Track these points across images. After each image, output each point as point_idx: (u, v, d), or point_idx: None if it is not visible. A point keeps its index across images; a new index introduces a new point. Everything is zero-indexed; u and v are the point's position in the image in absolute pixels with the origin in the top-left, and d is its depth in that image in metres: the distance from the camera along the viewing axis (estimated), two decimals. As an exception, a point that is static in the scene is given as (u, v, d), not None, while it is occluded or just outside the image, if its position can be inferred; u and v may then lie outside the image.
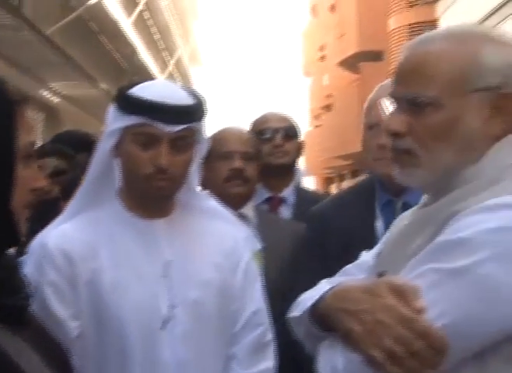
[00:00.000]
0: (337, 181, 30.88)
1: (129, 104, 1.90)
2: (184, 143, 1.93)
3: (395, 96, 1.47)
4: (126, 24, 16.07)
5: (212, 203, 2.18)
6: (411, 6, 18.68)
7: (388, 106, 1.52)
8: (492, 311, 1.26)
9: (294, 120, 3.32)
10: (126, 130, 1.90)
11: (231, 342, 2.08)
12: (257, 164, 2.81)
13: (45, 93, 13.40)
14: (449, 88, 1.41)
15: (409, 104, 1.44)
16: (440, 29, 1.54)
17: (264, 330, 2.05)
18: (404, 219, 1.62)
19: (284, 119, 3.23)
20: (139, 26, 18.17)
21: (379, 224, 2.39)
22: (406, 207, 2.19)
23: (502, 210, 1.29)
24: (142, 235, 2.00)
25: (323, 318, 1.38)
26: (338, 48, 24.80)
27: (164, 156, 1.88)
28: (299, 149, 3.28)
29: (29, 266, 1.90)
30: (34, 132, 1.40)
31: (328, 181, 32.25)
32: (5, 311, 1.30)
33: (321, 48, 30.87)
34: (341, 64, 24.22)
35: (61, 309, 1.91)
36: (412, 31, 17.70)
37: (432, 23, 15.57)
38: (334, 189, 25.81)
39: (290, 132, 3.21)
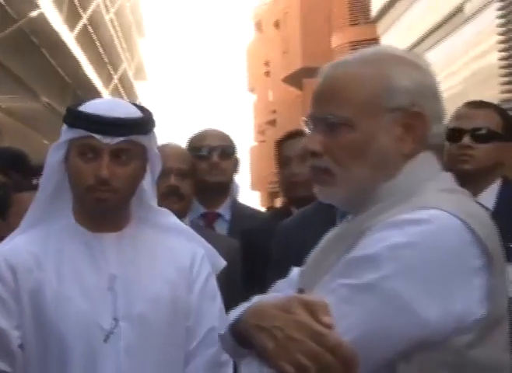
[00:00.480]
0: (281, 196, 30.96)
1: (73, 118, 1.95)
2: (127, 156, 1.94)
3: (312, 117, 1.50)
4: (69, 38, 15.97)
5: (172, 220, 2.17)
6: (352, 25, 18.98)
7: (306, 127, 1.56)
8: (398, 323, 1.28)
9: (231, 138, 3.31)
10: (71, 144, 1.94)
11: (186, 360, 2.06)
12: (193, 180, 2.82)
13: (-17, 106, 13.22)
14: (362, 109, 1.44)
15: (325, 125, 1.46)
16: (354, 52, 1.57)
17: (219, 349, 1.98)
18: (329, 235, 1.64)
19: (222, 137, 3.27)
20: (83, 40, 18.05)
21: None
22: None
23: (408, 226, 1.32)
24: (90, 248, 1.99)
25: (243, 334, 1.38)
26: (283, 64, 24.99)
27: (104, 167, 1.89)
28: (235, 167, 3.29)
29: None
30: None
31: (273, 196, 32.28)
32: None
33: (266, 64, 31.03)
34: (285, 79, 24.38)
35: (3, 320, 1.91)
36: (354, 49, 17.82)
37: (372, 41, 15.80)
38: (278, 204, 25.94)
39: (227, 151, 3.22)
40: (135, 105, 2.06)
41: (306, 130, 1.56)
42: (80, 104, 2.02)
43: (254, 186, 30.77)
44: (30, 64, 13.62)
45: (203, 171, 3.07)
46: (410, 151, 1.46)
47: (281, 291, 1.58)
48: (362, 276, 1.31)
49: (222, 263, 2.21)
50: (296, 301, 1.30)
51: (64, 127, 1.98)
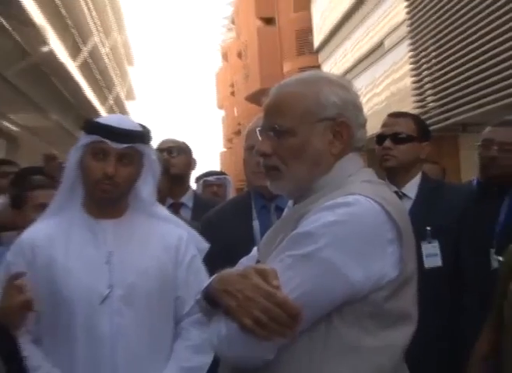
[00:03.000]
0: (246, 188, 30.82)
1: (91, 127, 1.97)
2: (129, 159, 1.95)
3: (263, 126, 1.49)
4: (72, 67, 15.69)
5: (162, 210, 2.15)
6: (299, 55, 19.01)
7: (259, 134, 1.53)
8: (331, 285, 1.29)
9: (183, 142, 3.36)
10: (87, 147, 1.95)
11: (178, 321, 2.02)
12: (166, 177, 2.74)
13: (6, 124, 13.04)
14: (299, 119, 1.43)
15: (273, 132, 1.46)
16: (293, 77, 1.54)
17: None
18: (280, 218, 1.61)
19: (173, 141, 3.30)
20: (83, 69, 17.74)
21: (256, 225, 2.35)
22: (278, 209, 2.24)
23: (337, 209, 1.32)
24: (93, 231, 1.99)
25: (212, 297, 1.37)
26: (245, 86, 24.91)
27: (111, 166, 1.91)
28: (189, 163, 3.29)
29: (10, 252, 1.97)
30: None
31: (239, 191, 32.24)
32: None
33: (231, 86, 30.93)
34: (247, 98, 24.33)
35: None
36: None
37: (316, 68, 15.94)
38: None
39: (179, 150, 3.25)
40: (136, 122, 2.05)
41: (259, 137, 1.52)
42: (97, 118, 2.03)
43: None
44: (42, 89, 13.40)
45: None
46: (339, 153, 1.45)
47: (243, 264, 1.54)
48: (302, 248, 1.30)
49: (205, 245, 2.16)
50: (252, 269, 1.32)
51: (82, 134, 1.98)
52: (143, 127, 2.02)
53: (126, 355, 1.88)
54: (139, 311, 1.93)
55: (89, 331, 1.88)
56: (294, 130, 1.43)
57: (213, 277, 1.40)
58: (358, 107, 1.48)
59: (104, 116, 2.12)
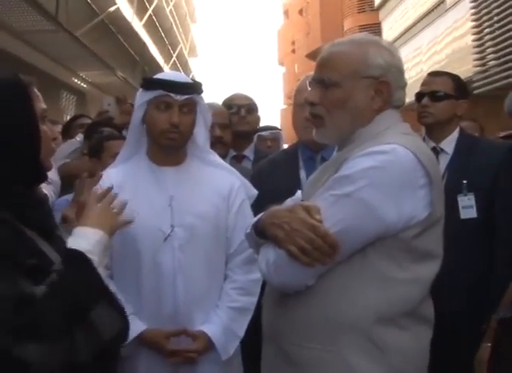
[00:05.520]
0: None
1: (152, 84, 2.08)
2: (188, 109, 2.08)
3: (313, 78, 1.59)
4: (138, 26, 15.89)
5: (217, 158, 2.24)
6: (360, 12, 18.58)
7: (308, 86, 1.63)
8: (367, 222, 1.38)
9: (254, 100, 3.28)
10: (150, 102, 2.07)
11: (227, 260, 2.15)
12: (231, 130, 2.87)
13: (76, 80, 13.37)
14: (346, 75, 1.53)
15: (321, 84, 1.56)
16: (346, 37, 1.66)
17: (252, 252, 1.93)
18: (323, 164, 1.73)
19: (246, 98, 3.24)
20: (148, 27, 17.94)
21: (302, 174, 2.45)
22: (323, 160, 2.32)
23: (375, 155, 1.41)
24: (157, 177, 2.12)
25: (261, 230, 1.48)
26: (306, 43, 24.58)
27: (176, 116, 2.03)
28: (258, 120, 3.29)
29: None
30: (42, 102, 1.41)
31: (298, 148, 31.98)
32: (37, 226, 1.37)
33: (293, 43, 30.55)
34: (308, 56, 24.03)
35: None
36: (361, 31, 17.43)
37: (376, 25, 15.56)
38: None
39: (251, 107, 3.22)
40: (187, 76, 2.15)
41: (309, 88, 1.61)
42: (154, 75, 2.15)
43: (286, 138, 30.44)
44: (109, 47, 13.57)
45: (234, 123, 3.07)
46: (378, 108, 1.54)
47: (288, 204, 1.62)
48: (343, 188, 1.40)
49: (254, 191, 2.25)
50: (298, 205, 1.42)
51: (142, 92, 2.08)
52: (194, 80, 2.16)
53: (186, 289, 2.03)
54: (197, 249, 2.06)
55: (154, 266, 2.03)
56: (340, 83, 1.52)
57: (263, 213, 1.50)
58: (400, 71, 1.57)
59: (160, 73, 2.23)
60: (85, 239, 1.34)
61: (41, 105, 1.40)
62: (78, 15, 10.91)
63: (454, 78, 2.76)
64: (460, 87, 2.71)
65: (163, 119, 2.06)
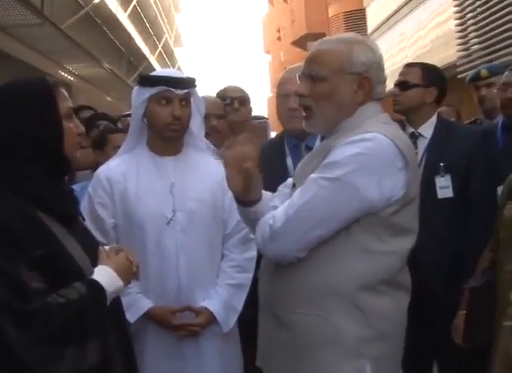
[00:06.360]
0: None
1: (152, 80, 2.18)
2: (186, 102, 2.19)
3: (303, 72, 1.71)
4: (123, 17, 15.84)
5: (208, 145, 2.36)
6: (344, -2, 18.63)
7: (298, 80, 1.74)
8: (353, 202, 1.53)
9: (246, 92, 3.30)
10: (150, 98, 2.16)
11: (224, 240, 2.26)
12: (226, 120, 2.92)
13: (62, 73, 13.34)
14: (332, 70, 1.66)
15: (310, 78, 1.68)
16: (332, 36, 1.80)
17: (248, 231, 2.08)
18: (311, 151, 1.89)
19: (240, 90, 3.27)
20: (133, 18, 17.87)
21: (289, 160, 2.58)
22: (307, 147, 2.47)
23: (357, 143, 1.55)
24: (158, 166, 2.23)
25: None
26: (291, 31, 24.54)
27: (178, 109, 2.15)
28: (251, 111, 3.37)
29: (91, 186, 2.24)
30: (68, 100, 1.52)
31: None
32: (62, 217, 1.45)
33: (278, 31, 30.47)
34: (293, 43, 23.96)
35: (102, 210, 2.19)
36: (346, 17, 17.43)
37: (361, 11, 15.57)
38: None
39: (247, 99, 3.25)
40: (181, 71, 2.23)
41: (298, 81, 1.73)
42: (150, 73, 2.26)
43: (274, 127, 30.39)
44: (95, 39, 13.55)
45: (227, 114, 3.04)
46: (361, 101, 1.66)
47: (280, 190, 1.79)
48: (332, 172, 1.54)
49: None
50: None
51: (140, 89, 2.18)
52: (189, 76, 2.27)
53: (188, 269, 2.15)
54: (198, 232, 2.18)
55: (158, 248, 2.14)
56: (326, 78, 1.65)
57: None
58: (381, 68, 1.71)
59: (159, 70, 2.34)
60: (110, 282, 1.47)
61: (67, 103, 1.51)
62: (63, 8, 10.93)
63: (425, 67, 2.90)
64: (429, 76, 2.84)
65: (165, 113, 2.16)
